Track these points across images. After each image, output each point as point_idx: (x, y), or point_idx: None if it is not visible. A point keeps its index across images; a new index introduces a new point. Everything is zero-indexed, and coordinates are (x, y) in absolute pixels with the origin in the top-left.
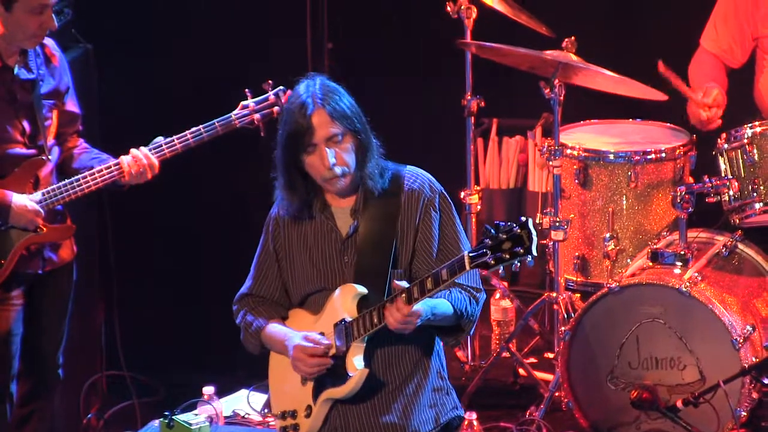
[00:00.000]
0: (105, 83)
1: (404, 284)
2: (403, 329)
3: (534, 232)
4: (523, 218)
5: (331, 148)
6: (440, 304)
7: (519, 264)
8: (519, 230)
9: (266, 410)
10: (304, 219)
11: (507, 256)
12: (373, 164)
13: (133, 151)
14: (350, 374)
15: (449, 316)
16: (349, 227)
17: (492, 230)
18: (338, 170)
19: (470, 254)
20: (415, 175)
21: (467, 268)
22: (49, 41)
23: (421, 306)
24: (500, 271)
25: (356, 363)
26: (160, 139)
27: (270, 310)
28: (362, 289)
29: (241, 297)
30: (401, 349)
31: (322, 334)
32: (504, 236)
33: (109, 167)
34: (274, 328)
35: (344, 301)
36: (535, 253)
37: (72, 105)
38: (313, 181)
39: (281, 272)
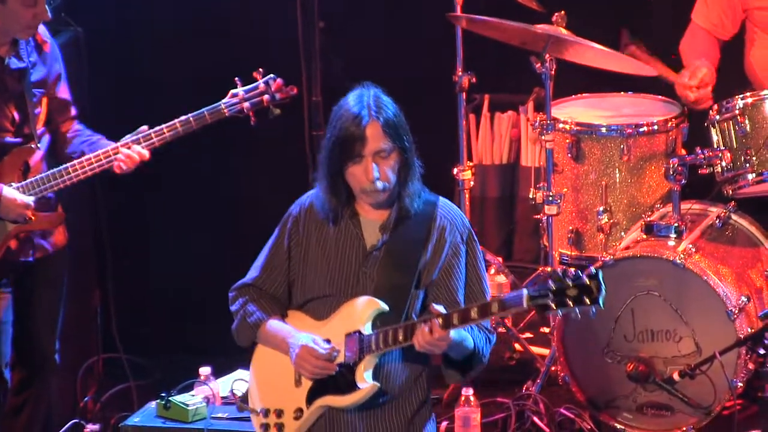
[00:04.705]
0: (95, 66)
1: (441, 309)
2: (430, 351)
3: (603, 284)
4: (594, 269)
5: (377, 162)
6: (467, 337)
7: (579, 312)
8: (588, 281)
9: (244, 404)
10: (329, 223)
11: (571, 304)
12: (413, 185)
13: (124, 151)
14: (359, 386)
15: (468, 351)
16: (377, 241)
17: (560, 273)
18: (380, 185)
19: (530, 294)
20: (449, 207)
21: (524, 306)
22: (40, 28)
23: (453, 333)
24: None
25: (367, 376)
26: (144, 128)
27: (272, 304)
28: (384, 306)
29: (243, 286)
30: (396, 373)
31: (328, 340)
32: (570, 283)
33: (98, 157)
34: (277, 324)
35: (361, 314)
36: (602, 305)
37: (63, 92)
38: (349, 189)
39: (290, 271)
